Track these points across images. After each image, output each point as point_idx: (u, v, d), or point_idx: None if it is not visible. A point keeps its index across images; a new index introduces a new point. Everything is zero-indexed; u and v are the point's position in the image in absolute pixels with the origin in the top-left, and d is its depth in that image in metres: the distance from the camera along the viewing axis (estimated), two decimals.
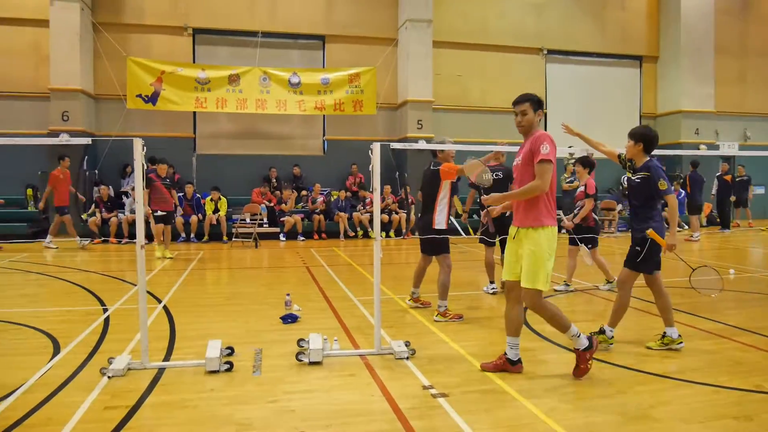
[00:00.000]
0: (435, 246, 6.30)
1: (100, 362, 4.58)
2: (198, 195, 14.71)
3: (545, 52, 18.95)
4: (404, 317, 6.40)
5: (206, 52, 16.63)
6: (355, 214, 15.27)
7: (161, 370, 4.45)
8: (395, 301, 7.15)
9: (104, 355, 4.75)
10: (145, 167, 4.67)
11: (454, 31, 17.94)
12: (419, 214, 6.75)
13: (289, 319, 6.02)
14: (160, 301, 6.96)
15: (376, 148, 5.10)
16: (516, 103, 4.45)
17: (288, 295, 6.18)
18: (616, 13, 19.69)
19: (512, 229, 4.51)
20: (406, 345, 5.02)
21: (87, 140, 4.66)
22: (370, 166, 5.11)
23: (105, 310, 6.53)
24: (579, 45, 19.34)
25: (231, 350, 4.86)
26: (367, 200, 15.60)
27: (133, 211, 13.95)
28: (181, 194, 14.51)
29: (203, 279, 9.08)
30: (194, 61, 16.32)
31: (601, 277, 8.23)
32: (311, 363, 4.65)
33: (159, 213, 11.10)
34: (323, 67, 17.12)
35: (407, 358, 4.82)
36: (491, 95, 18.35)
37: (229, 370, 4.45)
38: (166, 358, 4.80)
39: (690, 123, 19.55)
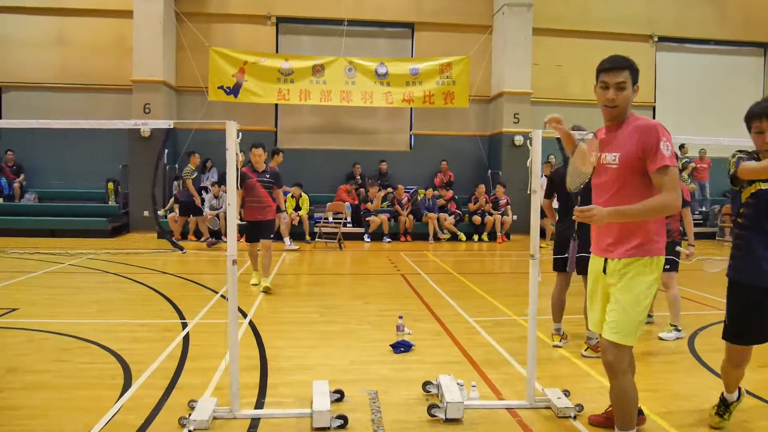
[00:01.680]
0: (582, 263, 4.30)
1: (179, 403, 3.60)
2: None
3: (656, 39, 17.04)
4: (540, 350, 5.13)
5: (290, 41, 15.86)
6: (441, 214, 14.03)
7: (255, 421, 3.41)
8: (517, 323, 5.88)
9: (184, 393, 3.78)
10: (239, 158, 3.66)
11: (554, 17, 16.35)
12: (558, 224, 5.36)
13: (402, 347, 4.88)
14: (245, 315, 6.00)
15: (537, 136, 3.89)
16: (608, 69, 2.95)
17: (400, 318, 5.07)
18: None
19: (596, 262, 3.11)
20: (566, 395, 3.78)
21: (169, 123, 3.68)
22: (528, 161, 3.91)
23: (184, 325, 5.63)
24: (694, 31, 17.26)
25: (340, 395, 3.76)
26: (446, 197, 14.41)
27: (212, 208, 13.28)
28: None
29: (288, 287, 8.09)
30: (277, 51, 15.57)
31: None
32: (448, 420, 3.48)
33: (242, 222, 7.28)
34: (412, 56, 15.99)
35: (574, 417, 3.57)
36: (593, 87, 16.61)
37: (342, 426, 3.34)
38: (259, 403, 3.74)
39: None
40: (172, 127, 3.65)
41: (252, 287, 7.62)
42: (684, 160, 15.52)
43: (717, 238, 15.05)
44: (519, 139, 15.01)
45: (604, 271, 3.00)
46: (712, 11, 17.33)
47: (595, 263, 3.12)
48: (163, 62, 14.27)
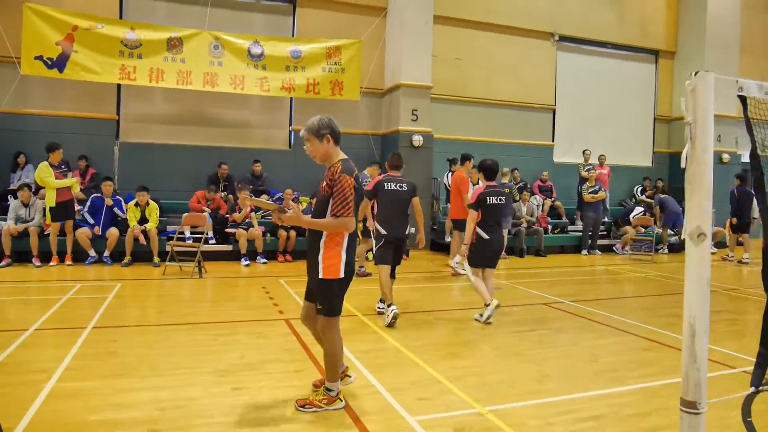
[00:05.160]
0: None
1: None
2: (120, 198, 10.65)
3: (557, 38, 15.86)
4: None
5: (138, 7, 12.53)
6: None
7: None
8: (495, 427, 3.59)
9: None
10: None
11: (454, 5, 14.56)
12: None
13: None
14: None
15: (705, 81, 1.58)
16: None
17: None
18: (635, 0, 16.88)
19: None
20: None
21: None
22: (686, 152, 1.61)
23: None
24: (594, 33, 16.36)
25: None
26: None
27: (19, 219, 9.79)
28: (97, 195, 10.46)
29: (101, 359, 5.21)
30: (121, 17, 12.24)
31: None
32: None
33: None
34: (293, 36, 13.38)
35: None
36: (496, 85, 15.09)
37: None
38: None
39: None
40: None
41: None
42: (587, 168, 14.41)
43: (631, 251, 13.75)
44: (418, 139, 12.99)
45: None
46: (612, 15, 16.55)
47: None
48: None
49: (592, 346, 5.47)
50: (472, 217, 6.30)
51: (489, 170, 6.34)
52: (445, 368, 4.69)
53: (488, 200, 6.28)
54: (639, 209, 14.54)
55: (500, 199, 6.33)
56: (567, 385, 4.35)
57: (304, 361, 4.89)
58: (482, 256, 6.42)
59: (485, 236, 6.29)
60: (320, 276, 3.65)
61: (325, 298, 3.70)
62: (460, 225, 9.57)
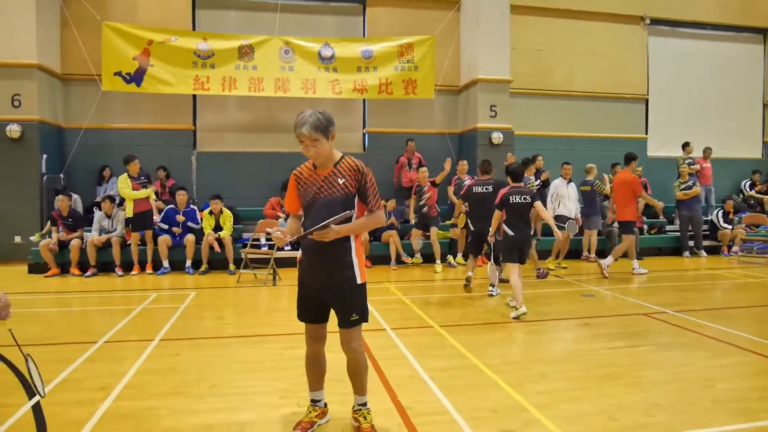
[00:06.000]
0: None
1: None
2: (194, 207, 10.69)
3: (648, 21, 14.66)
4: None
5: (210, 17, 12.69)
6: (414, 230, 10.93)
7: None
8: None
9: None
10: None
11: None
12: None
13: None
14: None
15: None
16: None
17: None
18: None
19: None
20: None
21: None
22: None
23: None
24: (689, 13, 15.01)
25: None
26: (425, 189, 10.83)
27: (103, 230, 10.00)
28: (172, 207, 10.53)
29: (177, 366, 4.99)
30: (194, 29, 12.39)
31: None
32: None
33: None
34: (364, 36, 13.07)
35: None
36: (580, 76, 14.14)
37: None
38: None
39: None
40: None
41: None
42: (687, 161, 13.12)
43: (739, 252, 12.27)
44: (498, 137, 12.30)
45: None
46: None
47: None
48: (37, 41, 10.90)
49: (707, 367, 4.66)
50: (497, 216, 6.93)
51: (514, 173, 7.01)
52: (531, 392, 4.09)
53: (511, 199, 6.80)
54: (716, 210, 13.00)
55: (524, 198, 6.77)
56: (680, 417, 3.62)
57: (370, 381, 4.42)
58: (511, 251, 6.82)
59: (510, 233, 6.80)
60: (358, 281, 3.28)
61: (361, 304, 3.33)
62: (628, 227, 9.57)
